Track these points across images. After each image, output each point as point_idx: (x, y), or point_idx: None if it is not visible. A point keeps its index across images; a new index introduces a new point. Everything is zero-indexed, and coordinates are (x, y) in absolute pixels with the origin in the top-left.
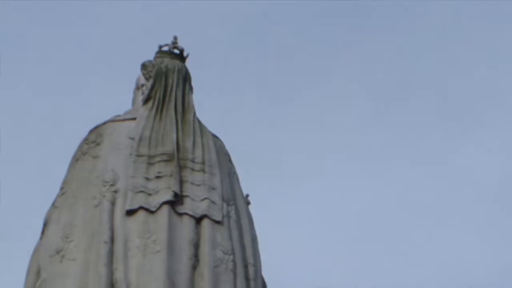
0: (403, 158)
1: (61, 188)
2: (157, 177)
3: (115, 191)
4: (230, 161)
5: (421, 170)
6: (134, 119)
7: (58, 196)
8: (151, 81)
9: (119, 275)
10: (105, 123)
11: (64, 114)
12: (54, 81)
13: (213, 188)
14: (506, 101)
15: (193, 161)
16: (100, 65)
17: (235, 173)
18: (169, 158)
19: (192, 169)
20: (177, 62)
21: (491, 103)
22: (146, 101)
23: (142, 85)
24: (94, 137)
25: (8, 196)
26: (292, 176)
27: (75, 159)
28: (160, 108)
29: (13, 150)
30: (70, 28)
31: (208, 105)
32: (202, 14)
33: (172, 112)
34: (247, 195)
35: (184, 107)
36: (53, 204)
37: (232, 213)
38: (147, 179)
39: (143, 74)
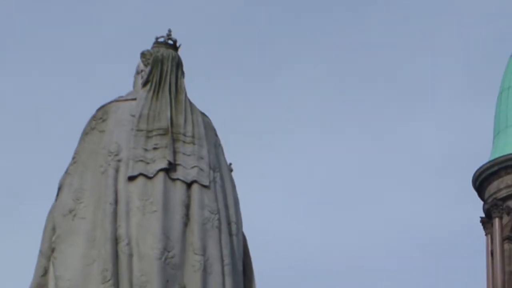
0: (361, 132)
1: (73, 158)
2: (154, 148)
3: (119, 160)
4: (215, 134)
5: (375, 141)
6: (134, 99)
7: (71, 164)
8: (149, 67)
9: (122, 231)
10: (110, 102)
11: (76, 96)
12: (73, 67)
13: (201, 158)
14: (447, 84)
15: (184, 135)
16: (109, 54)
17: (220, 145)
18: (164, 132)
19: (184, 142)
20: (171, 51)
21: (435, 86)
22: (144, 84)
23: (141, 71)
24: (101, 114)
25: (32, 164)
26: (267, 146)
27: (85, 133)
28: (157, 90)
29: (38, 126)
30: (80, 23)
31: (197, 87)
32: (192, 9)
33: (166, 93)
34: (230, 164)
35: (177, 89)
36: (66, 172)
37: (218, 179)
38: (146, 150)
39: (142, 61)
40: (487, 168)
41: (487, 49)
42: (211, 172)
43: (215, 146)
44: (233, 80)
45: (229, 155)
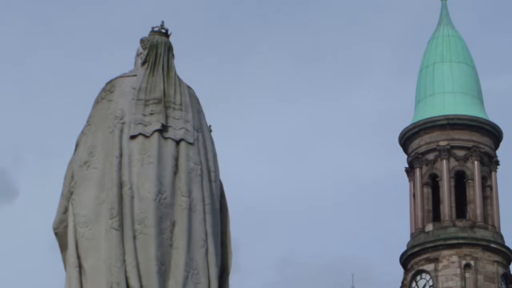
0: (312, 100)
1: (87, 121)
2: (151, 114)
3: (123, 123)
4: (198, 103)
5: (323, 108)
6: (135, 75)
7: (85, 126)
8: (146, 50)
9: (125, 178)
10: (116, 78)
11: (90, 73)
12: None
13: (187, 121)
14: (380, 63)
15: (174, 103)
16: (116, 42)
17: (201, 111)
18: (158, 101)
19: (174, 109)
20: (163, 38)
21: (370, 64)
22: (143, 64)
23: (141, 53)
24: (109, 87)
25: (58, 126)
26: (239, 112)
27: (97, 102)
28: (152, 68)
29: (64, 96)
30: (88, 15)
31: (183, 65)
32: (180, 5)
33: (160, 71)
34: (210, 126)
35: (168, 68)
36: (82, 132)
37: (200, 138)
38: (144, 115)
39: (141, 46)
40: (410, 129)
41: (411, 36)
42: (195, 132)
43: (198, 112)
44: (211, 60)
45: (209, 119)
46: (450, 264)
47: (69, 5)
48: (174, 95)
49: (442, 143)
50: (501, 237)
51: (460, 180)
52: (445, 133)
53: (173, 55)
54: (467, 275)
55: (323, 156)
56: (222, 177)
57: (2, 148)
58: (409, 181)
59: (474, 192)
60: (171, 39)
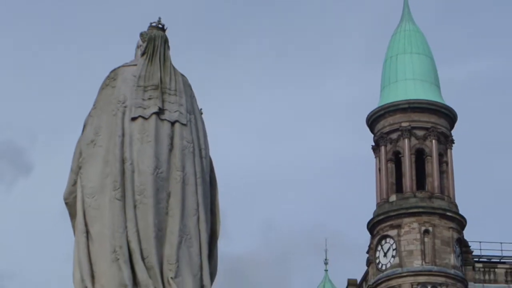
0: (293, 87)
1: (94, 105)
2: (149, 98)
3: (125, 107)
4: (191, 89)
5: (303, 95)
6: (135, 65)
7: (92, 109)
8: (145, 43)
9: (127, 155)
10: (119, 67)
11: (97, 63)
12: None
13: (181, 105)
14: (352, 54)
15: (169, 89)
16: (119, 36)
17: (193, 96)
18: (156, 88)
19: (169, 94)
20: (160, 32)
21: (343, 55)
22: (142, 54)
23: (140, 45)
24: (113, 75)
25: (67, 110)
26: (228, 97)
27: (102, 88)
28: (151, 59)
29: (74, 83)
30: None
31: (177, 56)
32: (176, 3)
33: (157, 61)
34: (201, 109)
35: (165, 58)
36: (89, 114)
37: (192, 119)
38: (143, 99)
39: (141, 39)
40: (376, 112)
41: (377, 30)
42: (188, 114)
43: (191, 97)
44: (203, 51)
45: (200, 103)
46: (411, 230)
47: (80, 5)
48: (170, 82)
49: (404, 124)
50: (456, 206)
51: (420, 156)
52: (407, 115)
53: (168, 47)
54: (426, 239)
55: (301, 135)
56: (211, 154)
57: (19, 129)
58: (375, 157)
59: (432, 167)
60: (167, 33)
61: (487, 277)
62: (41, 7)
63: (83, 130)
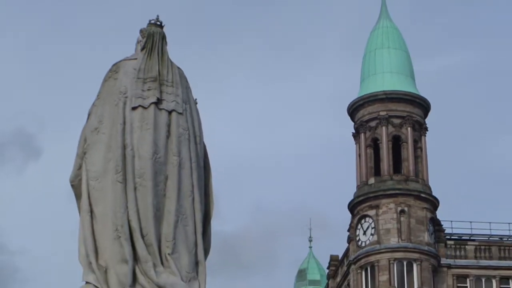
0: (280, 81)
1: (97, 95)
2: (148, 89)
3: (126, 97)
4: (186, 81)
5: (290, 88)
6: (135, 59)
7: (96, 99)
8: (145, 38)
9: (127, 141)
10: (120, 61)
11: (101, 57)
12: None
13: (177, 95)
14: (333, 49)
15: (167, 81)
16: (121, 32)
17: (189, 87)
18: (154, 79)
19: (166, 85)
20: (158, 29)
21: (326, 50)
22: (142, 49)
23: (140, 41)
24: (115, 68)
25: (73, 100)
26: (221, 89)
27: (105, 80)
28: (150, 53)
29: (79, 76)
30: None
31: (174, 50)
32: (173, 2)
33: (156, 55)
34: (196, 99)
35: (162, 52)
36: (93, 104)
37: (188, 109)
38: (143, 90)
39: (141, 35)
40: (356, 102)
41: (357, 27)
42: (184, 104)
43: (186, 88)
44: (198, 46)
45: (195, 94)
46: (388, 210)
47: (86, 5)
48: (167, 75)
49: (382, 113)
50: (429, 188)
51: (396, 142)
52: (384, 105)
53: (166, 42)
54: (402, 219)
55: (287, 123)
56: (205, 140)
57: (29, 116)
58: (355, 143)
59: (408, 152)
60: (164, 29)
61: (458, 253)
62: (46, 6)
63: (87, 119)
